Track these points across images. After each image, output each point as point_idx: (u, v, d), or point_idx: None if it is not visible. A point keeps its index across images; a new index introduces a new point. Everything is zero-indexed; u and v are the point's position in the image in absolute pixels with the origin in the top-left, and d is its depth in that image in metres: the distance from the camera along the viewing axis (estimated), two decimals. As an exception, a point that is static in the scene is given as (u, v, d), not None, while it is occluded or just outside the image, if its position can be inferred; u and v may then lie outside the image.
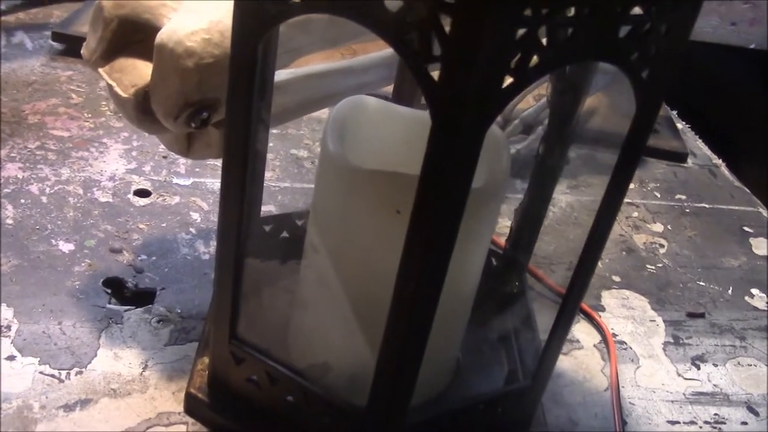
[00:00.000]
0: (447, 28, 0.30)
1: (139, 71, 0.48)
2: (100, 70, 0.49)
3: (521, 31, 0.30)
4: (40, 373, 0.51)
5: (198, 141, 0.53)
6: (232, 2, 0.45)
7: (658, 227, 0.82)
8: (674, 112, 1.09)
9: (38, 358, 0.52)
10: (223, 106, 0.48)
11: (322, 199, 0.47)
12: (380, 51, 0.62)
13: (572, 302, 0.46)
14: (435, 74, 0.31)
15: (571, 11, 0.32)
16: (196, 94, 0.46)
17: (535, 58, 0.31)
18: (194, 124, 0.48)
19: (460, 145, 0.32)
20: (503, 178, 0.46)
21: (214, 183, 0.74)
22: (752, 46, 1.34)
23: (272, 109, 0.52)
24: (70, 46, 0.94)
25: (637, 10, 0.34)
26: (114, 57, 0.49)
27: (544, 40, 0.31)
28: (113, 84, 0.49)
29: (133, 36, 0.49)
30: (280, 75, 0.55)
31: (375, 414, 0.41)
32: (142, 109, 0.49)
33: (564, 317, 0.47)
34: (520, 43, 0.31)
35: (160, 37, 0.45)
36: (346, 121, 0.47)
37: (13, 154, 0.73)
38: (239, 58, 0.36)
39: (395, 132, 0.50)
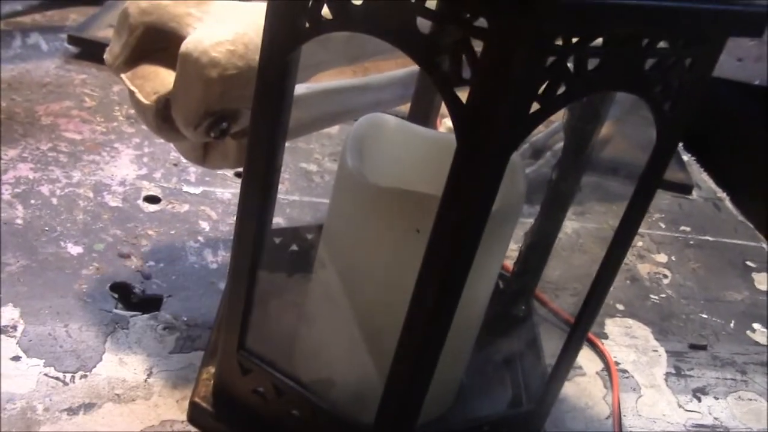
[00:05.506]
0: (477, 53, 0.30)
1: (162, 79, 0.49)
2: (123, 75, 0.50)
3: (550, 59, 0.31)
4: (45, 375, 0.51)
5: (214, 151, 0.54)
6: (257, 15, 0.46)
7: (663, 258, 0.83)
8: (680, 144, 1.10)
9: (43, 360, 0.52)
10: (242, 117, 0.49)
11: (338, 215, 0.48)
12: (396, 70, 0.63)
13: (581, 329, 0.46)
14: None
15: (599, 42, 0.32)
16: (218, 104, 0.47)
17: (562, 87, 0.32)
18: (213, 133, 0.48)
19: (484, 167, 0.32)
20: (518, 201, 0.46)
21: (224, 192, 0.75)
22: (757, 83, 1.35)
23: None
24: (85, 49, 0.94)
25: (663, 44, 0.34)
26: (137, 63, 0.50)
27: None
28: (135, 90, 0.49)
29: (158, 43, 0.49)
30: (298, 89, 0.56)
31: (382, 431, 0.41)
32: (162, 117, 0.49)
33: (572, 344, 0.47)
34: (549, 71, 0.31)
35: (186, 46, 0.46)
36: (364, 139, 0.47)
37: (25, 155, 0.73)
38: (268, 71, 0.36)
39: (413, 152, 0.50)
